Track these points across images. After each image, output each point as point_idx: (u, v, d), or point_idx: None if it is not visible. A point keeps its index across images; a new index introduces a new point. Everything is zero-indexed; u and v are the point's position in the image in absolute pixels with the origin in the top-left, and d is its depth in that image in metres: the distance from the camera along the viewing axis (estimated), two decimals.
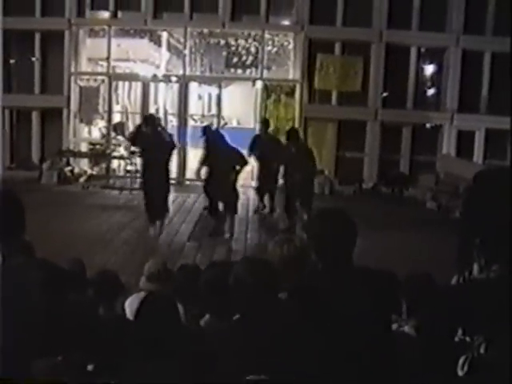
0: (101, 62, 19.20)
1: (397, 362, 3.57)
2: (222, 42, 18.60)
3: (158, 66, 19.49)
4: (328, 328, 3.53)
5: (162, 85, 21.09)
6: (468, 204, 2.63)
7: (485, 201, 2.52)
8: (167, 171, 12.21)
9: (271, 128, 15.79)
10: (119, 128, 19.49)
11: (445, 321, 2.55)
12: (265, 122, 15.25)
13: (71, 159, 18.27)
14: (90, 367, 3.85)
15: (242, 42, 18.44)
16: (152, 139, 11.85)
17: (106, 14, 18.76)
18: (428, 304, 3.31)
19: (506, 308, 2.34)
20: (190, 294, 5.02)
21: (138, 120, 19.56)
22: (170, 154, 12.30)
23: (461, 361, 2.40)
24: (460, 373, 2.40)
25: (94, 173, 18.23)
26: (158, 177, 11.81)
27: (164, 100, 21.89)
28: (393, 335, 3.97)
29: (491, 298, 2.39)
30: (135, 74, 19.75)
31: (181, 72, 18.60)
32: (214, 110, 20.63)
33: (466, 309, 2.45)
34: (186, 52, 18.50)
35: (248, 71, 18.82)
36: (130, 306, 5.09)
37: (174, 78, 18.91)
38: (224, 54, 18.74)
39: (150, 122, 12.25)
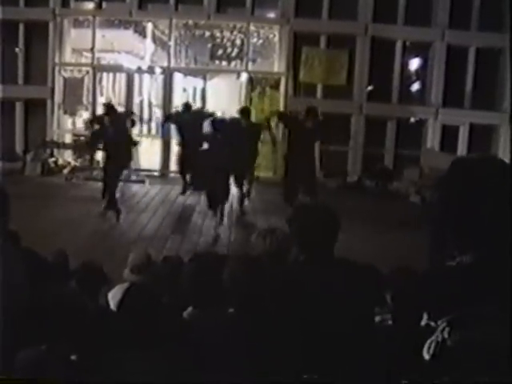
0: (85, 53, 19.11)
1: (380, 355, 3.59)
2: (207, 33, 18.55)
3: (142, 58, 19.41)
4: (310, 321, 3.55)
5: (146, 76, 21.05)
6: (441, 190, 2.65)
7: (459, 187, 2.54)
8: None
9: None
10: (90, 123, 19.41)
11: (415, 307, 2.59)
12: (245, 111, 14.39)
13: (55, 150, 18.20)
14: (73, 357, 3.85)
15: (227, 34, 18.40)
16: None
17: (90, 5, 18.66)
18: (401, 292, 3.34)
19: (471, 294, 2.38)
20: (173, 286, 5.02)
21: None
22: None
23: (427, 345, 2.44)
24: (426, 356, 2.43)
25: (78, 164, 18.16)
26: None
27: (148, 92, 21.85)
28: (376, 328, 4.00)
29: (458, 284, 2.42)
30: (120, 65, 19.69)
31: (165, 64, 18.55)
32: (198, 103, 20.57)
33: (433, 294, 2.49)
34: (171, 44, 18.44)
35: (233, 63, 18.79)
36: (114, 297, 5.07)
37: (158, 70, 18.85)
38: (209, 45, 18.70)
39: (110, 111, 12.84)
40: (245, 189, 13.60)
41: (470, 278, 2.39)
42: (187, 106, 15.42)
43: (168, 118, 16.17)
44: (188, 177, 14.47)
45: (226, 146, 11.64)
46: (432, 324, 2.42)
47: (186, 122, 14.44)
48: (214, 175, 11.57)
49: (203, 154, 12.23)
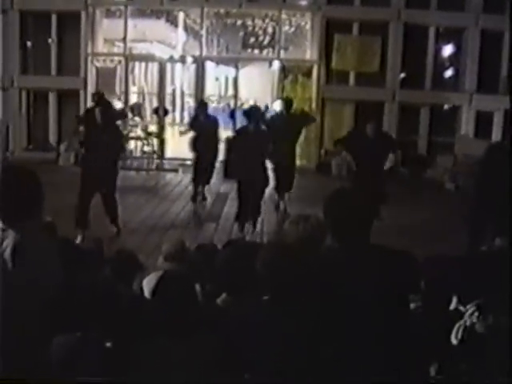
0: (117, 43, 19.18)
1: (413, 341, 3.56)
2: (239, 22, 18.54)
3: (174, 47, 19.46)
4: (345, 308, 3.53)
5: (178, 66, 21.09)
6: (477, 176, 2.62)
7: (494, 172, 2.51)
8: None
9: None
10: (136, 109, 19.51)
11: (446, 292, 2.56)
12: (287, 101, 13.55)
13: None
14: (108, 344, 3.88)
15: (258, 22, 18.36)
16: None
17: None
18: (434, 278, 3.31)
19: (502, 279, 2.34)
20: (208, 273, 5.03)
21: (155, 101, 19.64)
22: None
23: (455, 329, 2.40)
24: (454, 341, 2.40)
25: None
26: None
27: (181, 81, 21.91)
28: (410, 314, 3.96)
29: (490, 270, 2.39)
30: (152, 54, 19.76)
31: (197, 53, 18.54)
32: (230, 91, 20.56)
33: (464, 278, 2.45)
34: (203, 32, 18.42)
35: (265, 52, 18.76)
36: (148, 284, 5.10)
37: (190, 59, 18.85)
38: (241, 34, 18.69)
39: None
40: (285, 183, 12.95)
41: (501, 262, 2.35)
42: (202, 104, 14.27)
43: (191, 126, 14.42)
44: (200, 185, 13.41)
45: (266, 137, 10.96)
46: (461, 308, 2.39)
47: (203, 128, 13.21)
48: (250, 165, 10.50)
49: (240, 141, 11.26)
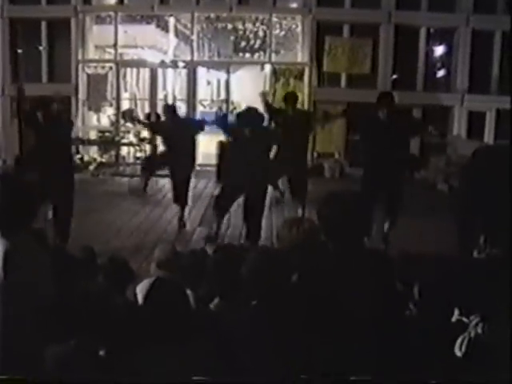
0: (108, 49, 19.14)
1: (408, 345, 3.54)
2: (230, 26, 18.50)
3: (165, 52, 19.43)
4: (339, 310, 3.50)
5: (170, 71, 21.06)
6: (464, 179, 2.60)
7: (480, 176, 2.49)
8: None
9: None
10: (128, 115, 19.45)
11: (443, 299, 2.52)
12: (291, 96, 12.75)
13: (80, 147, 18.23)
14: (101, 352, 3.85)
15: (249, 25, 18.33)
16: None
17: (112, 1, 18.68)
18: (428, 282, 3.29)
19: (503, 288, 2.31)
20: (200, 278, 5.01)
21: (147, 107, 19.60)
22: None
23: (458, 341, 2.36)
24: (458, 353, 2.35)
25: (104, 160, 18.21)
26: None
27: (172, 86, 21.86)
28: (404, 318, 3.93)
29: (489, 278, 2.35)
30: (143, 60, 19.72)
31: (189, 57, 18.51)
32: (223, 95, 20.53)
33: (464, 288, 2.42)
34: (194, 37, 18.40)
35: (256, 55, 18.73)
36: (141, 291, 5.07)
37: (181, 64, 18.83)
38: (232, 38, 18.66)
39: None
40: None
41: (500, 271, 2.32)
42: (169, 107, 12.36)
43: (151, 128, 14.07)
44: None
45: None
46: (464, 320, 2.35)
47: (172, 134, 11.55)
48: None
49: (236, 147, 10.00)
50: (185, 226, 11.67)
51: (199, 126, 12.16)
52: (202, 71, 20.12)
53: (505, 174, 2.30)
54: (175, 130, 11.40)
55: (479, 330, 2.31)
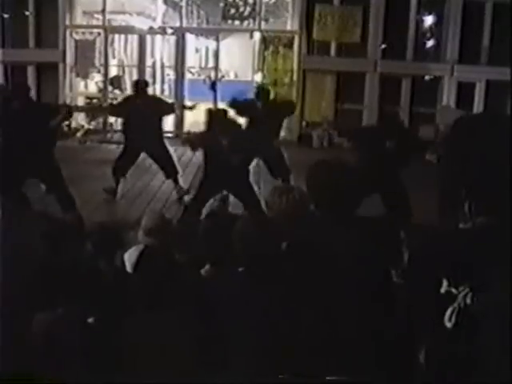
0: (96, 15, 18.95)
1: (397, 313, 3.55)
2: None
3: (154, 19, 19.23)
4: (328, 279, 3.51)
5: (158, 38, 20.88)
6: (448, 151, 2.58)
7: (461, 146, 2.47)
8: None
9: (269, 80, 15.60)
10: (116, 82, 19.33)
11: (430, 270, 2.52)
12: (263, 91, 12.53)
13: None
14: (90, 320, 3.84)
15: None
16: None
17: None
18: (416, 253, 3.29)
19: (492, 258, 2.31)
20: (190, 245, 4.99)
21: (135, 73, 19.45)
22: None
23: (448, 312, 2.36)
24: (448, 325, 2.36)
25: (91, 127, 18.12)
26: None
27: (161, 53, 21.70)
28: (394, 286, 3.95)
29: (477, 248, 2.35)
30: (131, 26, 19.53)
31: (177, 24, 18.36)
32: (211, 63, 20.41)
33: (451, 258, 2.41)
34: (183, 4, 18.24)
35: (245, 23, 18.59)
36: (129, 259, 5.06)
37: (170, 30, 18.67)
38: (221, 5, 18.48)
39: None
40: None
41: (486, 240, 2.31)
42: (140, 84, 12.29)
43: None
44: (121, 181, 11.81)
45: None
46: (453, 291, 2.35)
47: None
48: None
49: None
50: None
51: (170, 108, 12.60)
52: (190, 38, 19.95)
53: (488, 142, 2.29)
54: (141, 109, 11.19)
55: (468, 301, 2.31)
